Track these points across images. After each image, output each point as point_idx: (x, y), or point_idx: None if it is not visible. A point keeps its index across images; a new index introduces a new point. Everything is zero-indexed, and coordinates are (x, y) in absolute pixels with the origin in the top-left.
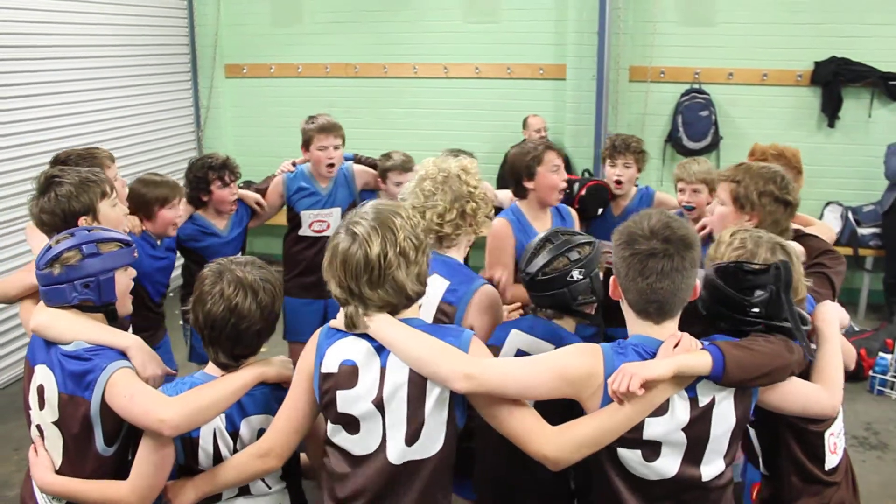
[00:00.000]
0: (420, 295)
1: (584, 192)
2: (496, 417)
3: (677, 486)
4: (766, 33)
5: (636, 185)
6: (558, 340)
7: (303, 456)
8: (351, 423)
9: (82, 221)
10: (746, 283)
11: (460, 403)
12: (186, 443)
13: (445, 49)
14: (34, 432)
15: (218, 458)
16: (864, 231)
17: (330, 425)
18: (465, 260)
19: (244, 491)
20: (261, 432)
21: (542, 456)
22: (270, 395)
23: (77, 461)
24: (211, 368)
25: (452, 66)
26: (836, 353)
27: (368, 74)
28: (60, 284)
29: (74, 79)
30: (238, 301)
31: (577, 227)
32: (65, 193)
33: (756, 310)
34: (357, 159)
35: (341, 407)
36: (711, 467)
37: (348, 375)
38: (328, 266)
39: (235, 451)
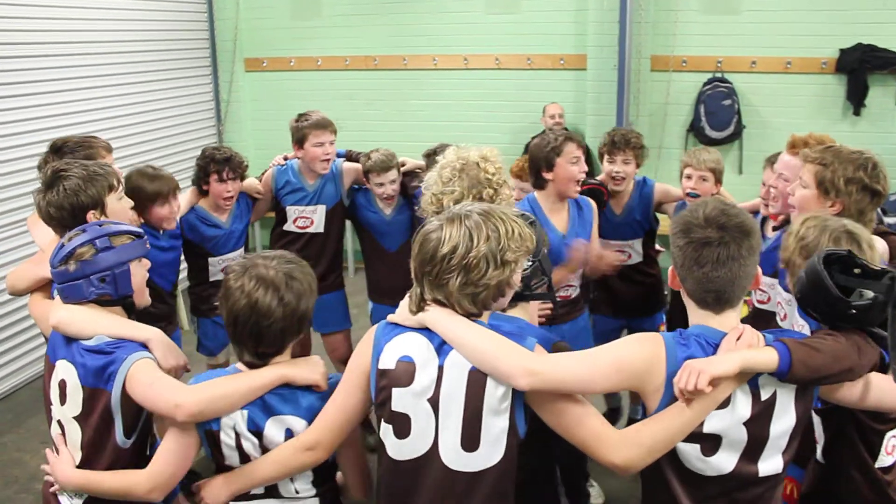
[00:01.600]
0: (469, 315)
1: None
2: (563, 425)
3: (733, 482)
4: (790, 20)
5: (633, 179)
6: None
7: (339, 476)
8: (403, 424)
9: (90, 215)
10: (853, 282)
11: (521, 411)
12: (209, 437)
13: (465, 40)
14: (55, 429)
15: (242, 455)
16: (890, 220)
17: (382, 425)
18: None
19: (272, 493)
20: (288, 433)
21: (611, 463)
22: (299, 396)
23: (95, 455)
24: (241, 365)
25: (472, 57)
26: None
27: (388, 66)
28: (77, 280)
29: (95, 74)
30: (258, 297)
31: (595, 218)
32: (73, 187)
33: (854, 312)
34: (349, 156)
35: (395, 405)
36: (769, 464)
37: (405, 372)
38: (415, 239)
39: (263, 450)
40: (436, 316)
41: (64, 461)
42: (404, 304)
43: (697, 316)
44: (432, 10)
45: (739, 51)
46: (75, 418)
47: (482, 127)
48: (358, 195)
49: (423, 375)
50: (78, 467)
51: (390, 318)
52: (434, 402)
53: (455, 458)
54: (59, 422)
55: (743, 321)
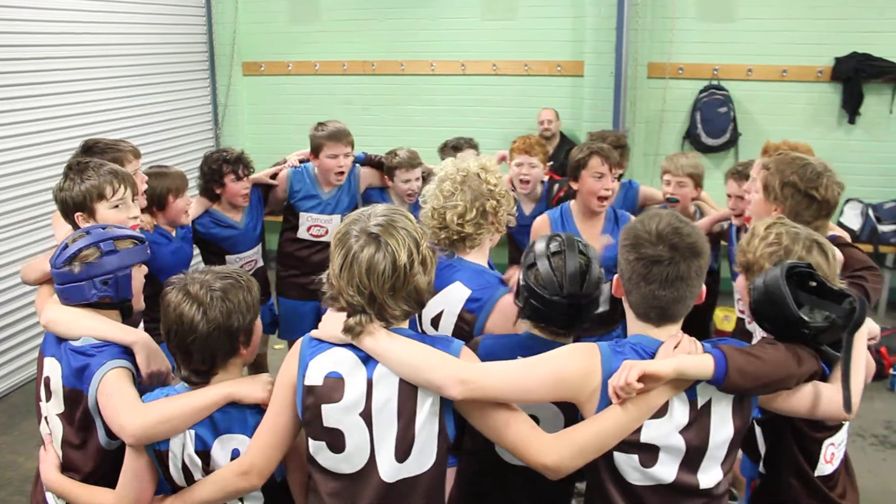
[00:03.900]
0: (427, 302)
1: (562, 193)
2: (490, 428)
3: (674, 494)
4: (786, 29)
5: (618, 180)
6: None
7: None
8: (336, 439)
9: (77, 217)
10: (811, 300)
11: (450, 415)
12: (158, 456)
13: (463, 46)
14: (43, 426)
15: (189, 477)
16: (884, 228)
17: (312, 443)
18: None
19: None
20: (235, 453)
21: (542, 465)
22: (247, 415)
23: (80, 454)
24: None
25: (470, 63)
26: (857, 365)
27: (386, 72)
28: (80, 282)
29: (93, 77)
30: (183, 311)
31: None
32: (66, 187)
33: (808, 332)
34: (368, 159)
35: (327, 421)
36: (709, 475)
37: (334, 388)
38: (344, 272)
39: (207, 471)
40: (368, 336)
41: (49, 461)
42: (329, 320)
43: (637, 327)
44: (430, 16)
45: (736, 59)
46: (59, 416)
47: (479, 133)
48: (373, 194)
49: (352, 390)
50: (65, 464)
51: (314, 333)
52: (366, 415)
53: (390, 470)
54: (46, 418)
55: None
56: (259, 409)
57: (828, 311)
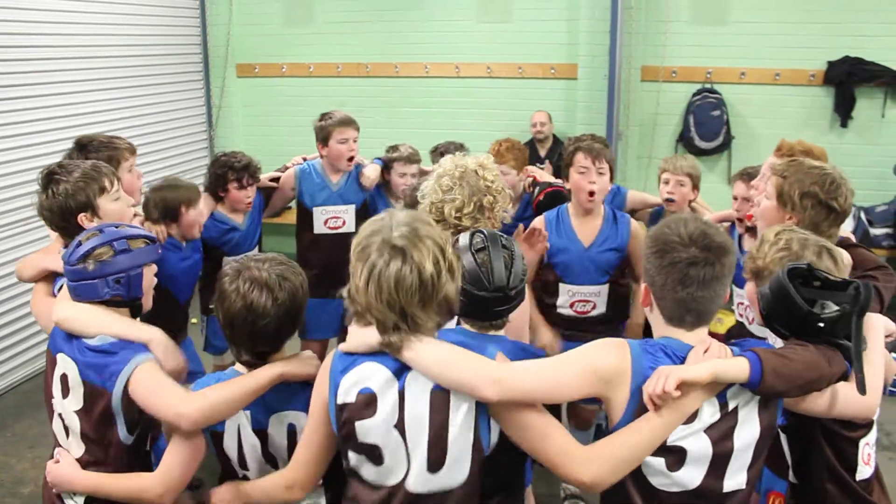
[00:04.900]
0: (457, 311)
1: (542, 197)
2: (527, 439)
3: (697, 499)
4: (779, 32)
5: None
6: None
7: None
8: (374, 453)
9: (81, 218)
10: (818, 294)
11: (486, 427)
12: (215, 438)
13: (457, 48)
14: (56, 424)
15: (241, 457)
16: (876, 231)
17: (354, 456)
18: None
19: None
20: (290, 427)
21: (578, 479)
22: (298, 391)
23: (97, 450)
24: (240, 366)
25: (464, 66)
26: (876, 361)
27: (380, 74)
28: (93, 280)
29: (87, 78)
30: (254, 298)
31: (632, 235)
32: (62, 191)
33: (822, 325)
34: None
35: (362, 437)
36: (734, 480)
37: (366, 404)
38: (371, 286)
39: (265, 450)
40: (404, 349)
41: (69, 464)
42: (356, 332)
43: (667, 331)
44: (424, 19)
45: (729, 62)
46: (76, 412)
47: (473, 135)
48: (372, 193)
49: (384, 403)
50: (81, 462)
51: (342, 347)
52: (400, 427)
53: (416, 480)
54: (60, 415)
55: (728, 334)
56: (307, 384)
57: (835, 301)
